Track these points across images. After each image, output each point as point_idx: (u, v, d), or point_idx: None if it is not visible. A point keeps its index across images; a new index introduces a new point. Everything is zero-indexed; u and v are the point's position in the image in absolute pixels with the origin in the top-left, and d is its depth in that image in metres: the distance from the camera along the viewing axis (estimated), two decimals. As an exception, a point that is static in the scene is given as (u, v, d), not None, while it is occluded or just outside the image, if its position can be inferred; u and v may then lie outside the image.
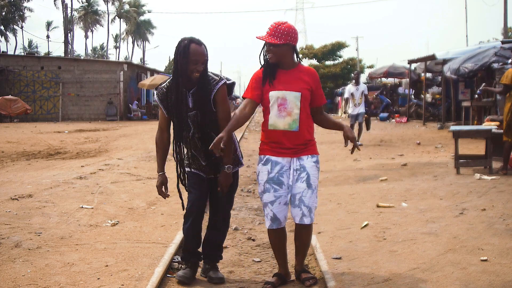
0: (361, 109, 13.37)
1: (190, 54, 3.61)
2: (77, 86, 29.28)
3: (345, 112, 14.29)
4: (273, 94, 3.68)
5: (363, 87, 13.51)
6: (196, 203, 3.79)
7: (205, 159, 3.80)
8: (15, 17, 65.56)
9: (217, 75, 3.80)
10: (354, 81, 13.80)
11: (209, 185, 3.89)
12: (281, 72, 3.72)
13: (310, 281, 3.76)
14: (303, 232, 3.78)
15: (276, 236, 3.82)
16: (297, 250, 3.91)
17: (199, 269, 4.03)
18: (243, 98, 3.79)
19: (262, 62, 3.77)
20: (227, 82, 3.83)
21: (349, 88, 13.81)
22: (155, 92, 3.90)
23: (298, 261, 3.91)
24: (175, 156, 3.88)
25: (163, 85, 3.82)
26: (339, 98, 36.27)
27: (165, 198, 3.95)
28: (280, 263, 3.92)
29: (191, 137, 3.79)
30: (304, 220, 3.68)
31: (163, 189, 3.87)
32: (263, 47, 3.73)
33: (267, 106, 3.72)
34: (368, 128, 14.40)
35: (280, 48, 3.65)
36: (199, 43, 3.66)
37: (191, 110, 3.73)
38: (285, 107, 3.67)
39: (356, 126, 13.44)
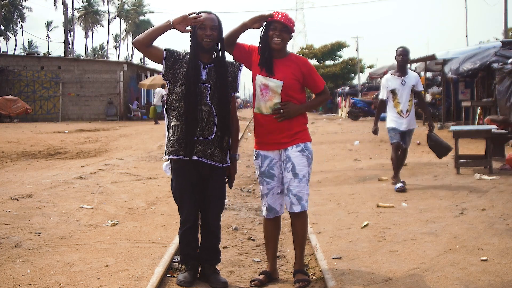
0: (411, 121, 7.17)
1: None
2: (77, 86, 29.24)
3: (374, 131, 7.35)
4: (258, 78, 3.81)
5: (413, 78, 7.19)
6: (191, 213, 3.81)
7: (207, 132, 3.72)
8: (15, 17, 65.59)
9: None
10: (397, 67, 7.31)
11: (201, 181, 3.79)
12: (274, 60, 3.80)
13: (300, 283, 3.76)
14: (296, 221, 3.88)
15: (271, 225, 3.95)
16: (294, 243, 3.97)
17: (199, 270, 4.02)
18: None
19: (263, 45, 3.77)
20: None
21: (388, 80, 7.25)
22: (166, 49, 3.76)
23: (297, 258, 3.93)
24: (185, 121, 3.71)
25: (181, 50, 3.88)
26: (339, 98, 36.22)
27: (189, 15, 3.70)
28: (269, 258, 3.99)
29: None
30: (293, 208, 3.80)
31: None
32: (268, 30, 3.74)
33: (254, 88, 3.87)
34: (445, 151, 7.52)
35: (289, 36, 3.77)
36: (209, 12, 3.78)
37: (202, 82, 3.75)
38: (267, 92, 3.79)
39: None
